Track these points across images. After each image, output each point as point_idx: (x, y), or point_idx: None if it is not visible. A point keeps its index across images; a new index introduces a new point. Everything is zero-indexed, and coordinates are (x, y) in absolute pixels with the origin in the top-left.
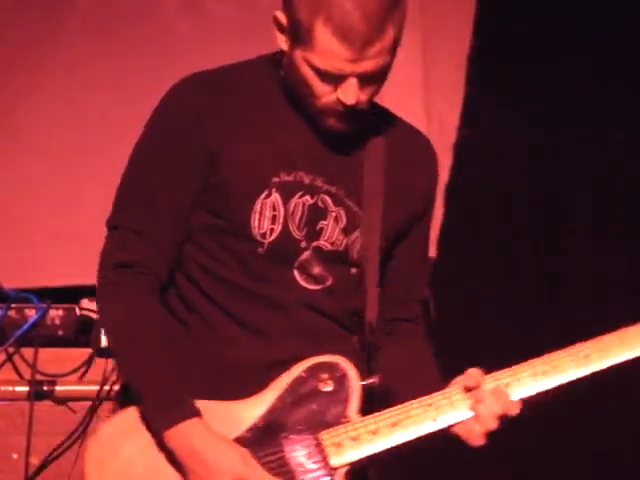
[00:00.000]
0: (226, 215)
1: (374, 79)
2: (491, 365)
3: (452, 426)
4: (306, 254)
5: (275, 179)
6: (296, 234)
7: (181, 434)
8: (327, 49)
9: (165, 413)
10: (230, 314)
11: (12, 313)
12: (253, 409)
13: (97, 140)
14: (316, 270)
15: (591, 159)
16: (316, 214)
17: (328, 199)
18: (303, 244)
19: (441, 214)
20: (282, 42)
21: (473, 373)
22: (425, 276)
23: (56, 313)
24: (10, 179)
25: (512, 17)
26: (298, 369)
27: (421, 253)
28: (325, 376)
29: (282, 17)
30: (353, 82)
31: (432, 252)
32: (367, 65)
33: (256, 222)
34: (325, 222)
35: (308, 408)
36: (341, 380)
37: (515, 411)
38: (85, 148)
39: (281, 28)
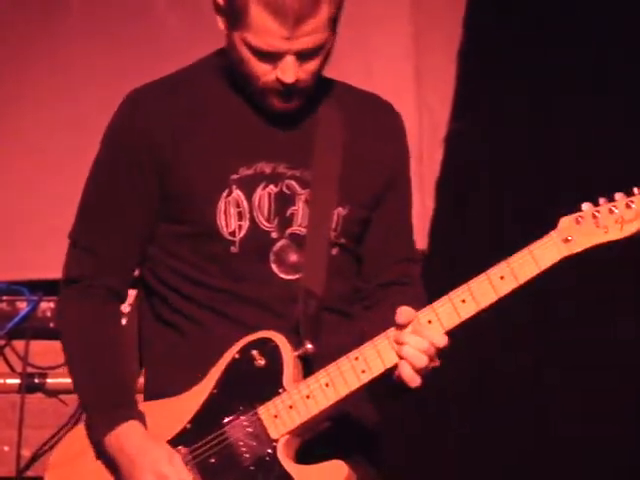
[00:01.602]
0: (191, 220)
1: (312, 56)
2: (482, 356)
3: (383, 374)
4: (280, 244)
5: (234, 176)
6: (265, 226)
7: (115, 439)
8: (262, 27)
9: (102, 421)
10: (220, 314)
11: (3, 305)
12: (194, 400)
13: (91, 136)
14: (292, 258)
15: (583, 155)
16: (284, 201)
17: (294, 183)
18: (274, 234)
19: (432, 208)
20: (221, 24)
21: (405, 311)
22: (410, 237)
23: (47, 305)
24: (4, 175)
25: (503, 12)
26: (232, 352)
27: (402, 216)
28: (257, 353)
29: None
30: (290, 60)
31: (422, 245)
32: (303, 42)
33: (223, 222)
34: (295, 207)
35: (245, 387)
36: (273, 353)
37: (442, 342)
38: (78, 145)
39: (219, 10)
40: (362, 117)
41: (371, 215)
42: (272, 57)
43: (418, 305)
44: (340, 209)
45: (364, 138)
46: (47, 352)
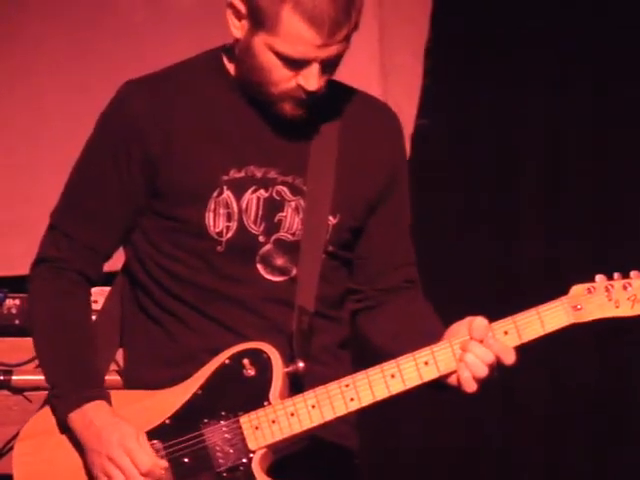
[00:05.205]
0: (180, 217)
1: (333, 65)
2: None
3: (373, 405)
4: (266, 247)
5: (225, 177)
6: (252, 229)
7: (82, 415)
8: (295, 35)
9: (68, 399)
10: (202, 313)
11: None
12: (176, 397)
13: (52, 133)
14: (279, 262)
15: (549, 151)
16: (272, 207)
17: (285, 189)
18: (261, 238)
19: None
20: (236, 29)
21: (479, 325)
22: (409, 240)
23: (12, 302)
24: None
25: (469, 8)
26: (223, 357)
27: (401, 219)
28: (248, 362)
29: (239, 3)
30: (316, 68)
31: None
32: (332, 50)
33: (211, 221)
34: (283, 214)
35: (231, 394)
36: (264, 365)
37: (510, 359)
38: (41, 141)
39: (238, 14)
40: (360, 121)
41: (363, 223)
42: (298, 64)
43: (429, 312)
44: (330, 218)
45: (361, 144)
46: (12, 349)
